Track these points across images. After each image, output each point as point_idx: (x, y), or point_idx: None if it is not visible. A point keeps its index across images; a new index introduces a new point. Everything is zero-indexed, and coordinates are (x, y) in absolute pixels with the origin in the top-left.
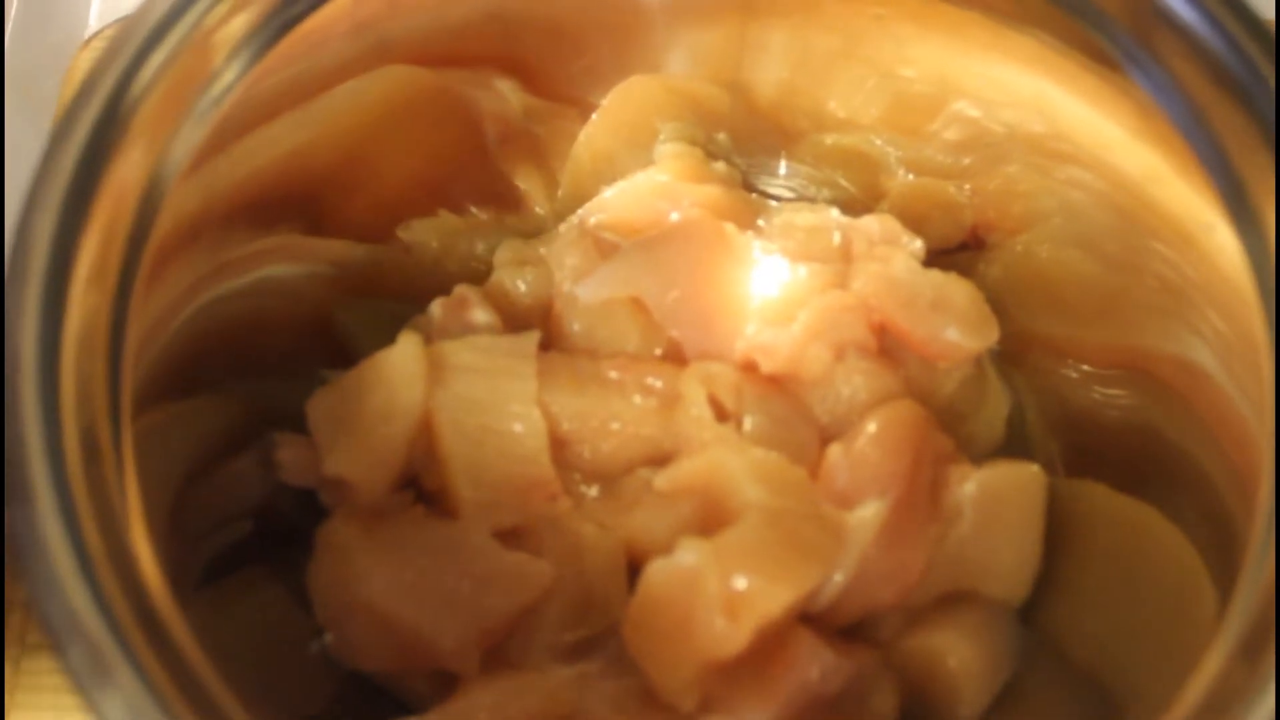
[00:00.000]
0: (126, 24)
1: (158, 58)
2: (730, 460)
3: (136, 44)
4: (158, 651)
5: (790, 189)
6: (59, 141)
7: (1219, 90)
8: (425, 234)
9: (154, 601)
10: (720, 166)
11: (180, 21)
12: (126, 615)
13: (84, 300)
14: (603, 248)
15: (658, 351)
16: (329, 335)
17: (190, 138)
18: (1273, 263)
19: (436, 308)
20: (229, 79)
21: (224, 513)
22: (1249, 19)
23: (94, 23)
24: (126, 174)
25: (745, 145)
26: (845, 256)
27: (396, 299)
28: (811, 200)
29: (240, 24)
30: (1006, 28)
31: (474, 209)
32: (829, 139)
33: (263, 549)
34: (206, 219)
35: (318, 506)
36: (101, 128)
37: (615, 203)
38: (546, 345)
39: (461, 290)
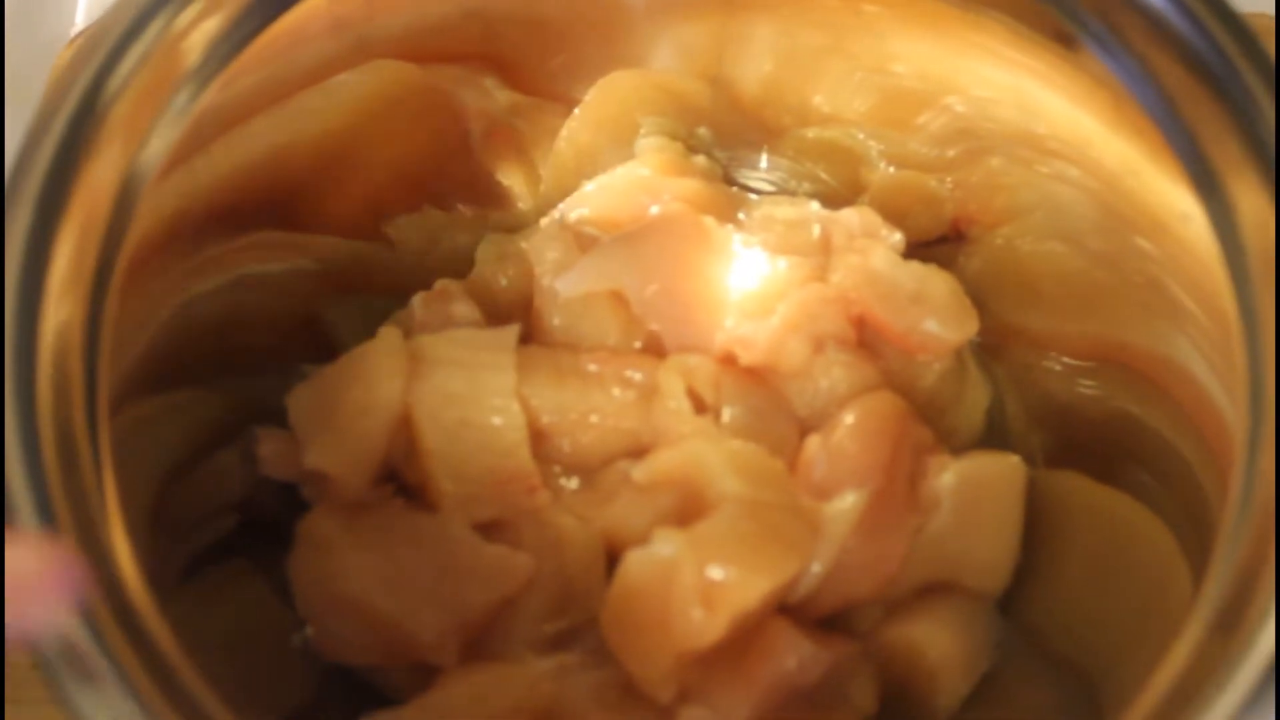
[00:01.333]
0: (101, 23)
1: (132, 57)
2: (708, 452)
3: (110, 43)
4: (136, 648)
5: (771, 182)
6: (34, 141)
7: (1190, 78)
8: (410, 230)
9: (132, 598)
10: (701, 160)
11: (154, 20)
12: (104, 612)
13: (60, 299)
14: (583, 242)
15: (637, 344)
16: (313, 331)
17: (166, 137)
18: (1246, 251)
19: (418, 302)
20: (204, 78)
21: (206, 507)
22: (1217, 4)
23: (81, 21)
24: (102, 173)
25: (726, 139)
26: (825, 249)
27: (381, 294)
28: (792, 193)
29: (215, 23)
30: (981, 16)
31: (458, 205)
32: (810, 133)
33: (245, 544)
34: (186, 217)
35: (300, 501)
36: (76, 127)
37: (595, 197)
38: (527, 339)
39: (443, 284)
